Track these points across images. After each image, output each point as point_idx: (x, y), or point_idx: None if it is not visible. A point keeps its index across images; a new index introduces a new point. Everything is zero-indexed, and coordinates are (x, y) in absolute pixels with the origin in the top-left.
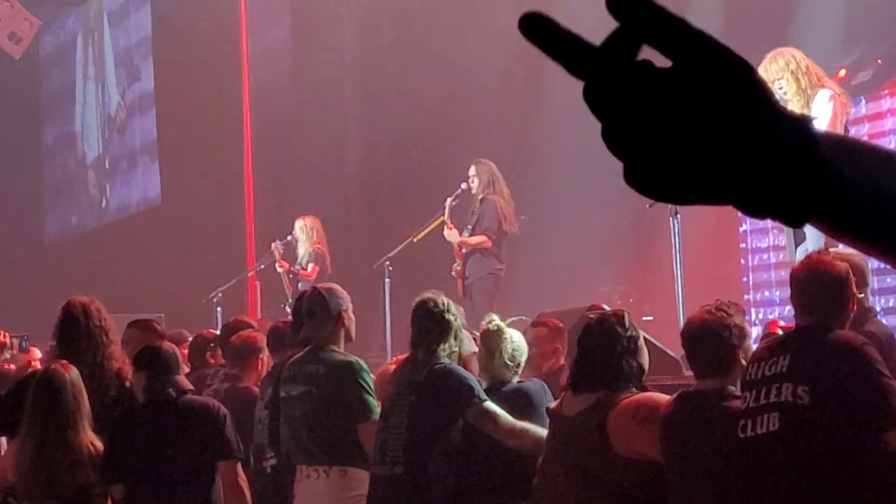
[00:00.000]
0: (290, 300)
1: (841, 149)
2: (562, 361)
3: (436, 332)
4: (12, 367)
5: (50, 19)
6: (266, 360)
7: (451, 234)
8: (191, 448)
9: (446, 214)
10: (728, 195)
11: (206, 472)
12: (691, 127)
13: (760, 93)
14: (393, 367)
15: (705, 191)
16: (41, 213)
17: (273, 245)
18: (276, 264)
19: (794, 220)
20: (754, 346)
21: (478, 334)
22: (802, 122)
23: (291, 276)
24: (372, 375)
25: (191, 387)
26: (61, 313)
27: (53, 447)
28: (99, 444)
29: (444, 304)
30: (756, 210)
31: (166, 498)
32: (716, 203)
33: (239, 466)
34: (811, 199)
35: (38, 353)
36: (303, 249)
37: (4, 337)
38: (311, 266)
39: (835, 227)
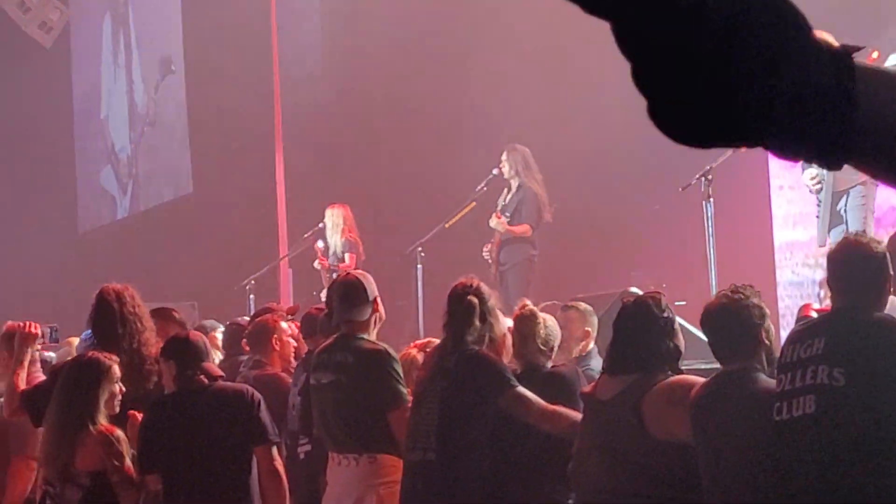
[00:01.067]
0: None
1: (882, 81)
2: (592, 345)
3: (466, 318)
4: (52, 355)
5: (80, 8)
6: (285, 341)
7: (498, 224)
8: (225, 435)
9: (472, 203)
10: (761, 132)
11: (242, 458)
12: (725, 56)
13: (796, 19)
14: (414, 351)
15: (736, 127)
16: (73, 203)
17: (315, 246)
18: (317, 261)
19: (829, 159)
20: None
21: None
22: (841, 54)
23: (329, 273)
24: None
25: (221, 373)
26: (95, 301)
27: (67, 435)
28: (119, 433)
29: (476, 289)
30: (790, 148)
31: (203, 486)
32: (746, 142)
33: (275, 451)
34: (847, 134)
35: (75, 342)
36: (334, 239)
37: (35, 328)
38: (347, 256)
39: (872, 166)
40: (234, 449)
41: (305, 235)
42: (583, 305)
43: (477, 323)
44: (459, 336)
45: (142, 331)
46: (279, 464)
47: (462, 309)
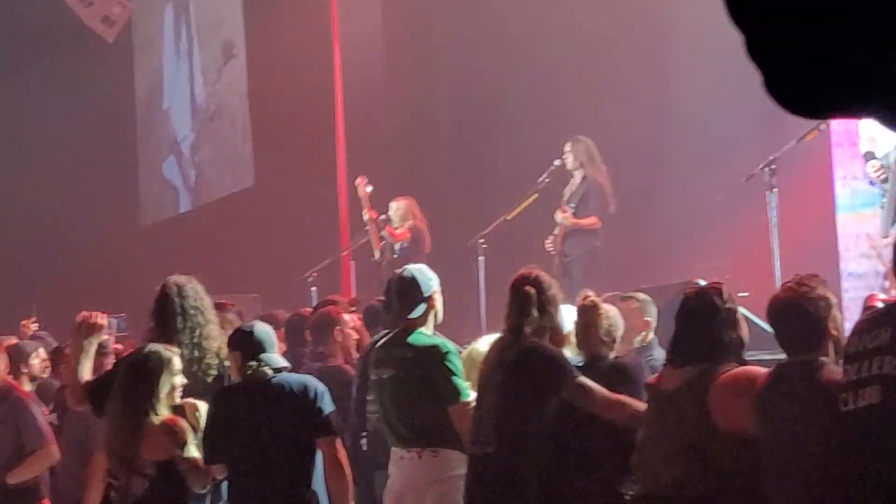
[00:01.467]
0: (377, 254)
1: None
2: (652, 335)
3: (524, 309)
4: (119, 346)
5: (142, 0)
6: (347, 332)
7: (564, 217)
8: (289, 426)
9: (535, 195)
10: (873, 102)
11: (306, 449)
12: (844, 24)
13: None
14: (476, 346)
15: (848, 97)
16: (136, 196)
17: (358, 180)
18: (363, 212)
19: None
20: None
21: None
22: None
23: (379, 229)
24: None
25: (287, 364)
26: (157, 294)
27: (131, 426)
28: (182, 423)
29: (534, 279)
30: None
31: (267, 476)
32: (859, 111)
33: (338, 442)
34: None
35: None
36: (399, 243)
37: (101, 318)
38: (402, 229)
39: None
40: (297, 440)
41: (367, 227)
42: (642, 296)
43: (535, 314)
44: (518, 327)
45: (203, 324)
46: (343, 455)
47: (519, 300)
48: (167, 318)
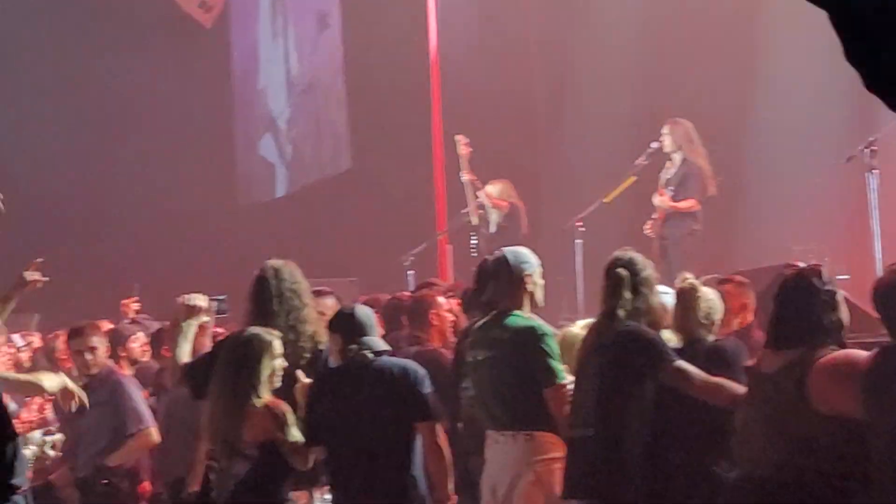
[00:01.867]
0: (474, 219)
1: None
2: (751, 318)
3: (616, 291)
4: (220, 330)
5: None
6: (443, 316)
7: (662, 201)
8: (389, 409)
9: (633, 177)
10: None
11: (405, 432)
12: None
13: None
14: (571, 329)
15: None
16: (233, 178)
17: (458, 137)
18: (461, 172)
19: None
20: None
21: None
22: None
23: (475, 190)
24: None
25: (387, 347)
26: (255, 277)
27: (234, 409)
28: (284, 406)
29: (626, 261)
30: None
31: (367, 459)
32: None
33: (438, 427)
34: None
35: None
36: (496, 213)
37: (202, 300)
38: (502, 202)
39: None
40: (397, 423)
41: (464, 210)
42: (738, 278)
43: (627, 295)
44: (612, 310)
45: (300, 307)
46: (442, 440)
47: (613, 282)
48: (264, 301)
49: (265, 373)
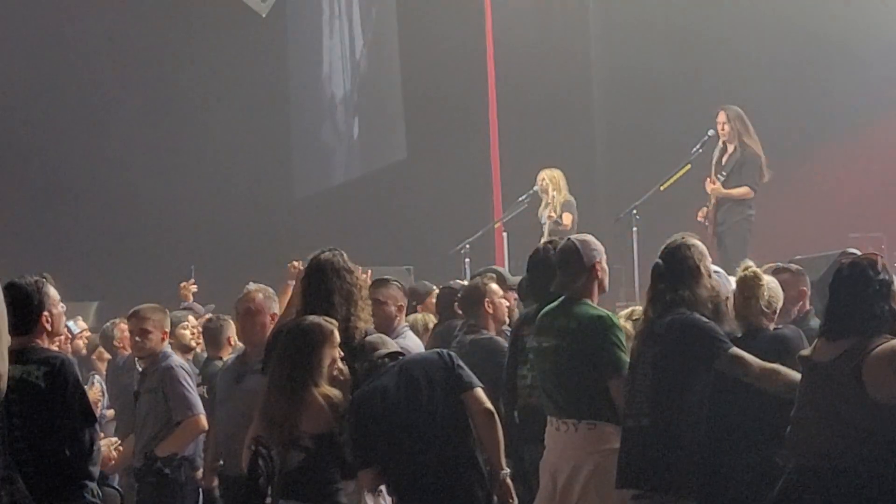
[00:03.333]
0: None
1: None
2: (808, 305)
3: (668, 280)
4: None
5: None
6: (497, 303)
7: (714, 189)
8: (433, 402)
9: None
10: None
11: (458, 411)
12: None
13: None
14: (622, 320)
15: None
16: (291, 167)
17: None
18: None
19: None
20: None
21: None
22: None
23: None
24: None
25: (396, 347)
26: (306, 269)
27: (293, 399)
28: (343, 397)
29: (676, 249)
30: None
31: (428, 463)
32: None
33: (481, 392)
34: None
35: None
36: (551, 198)
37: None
38: (565, 216)
39: None
40: (445, 413)
41: (520, 198)
42: (794, 266)
43: (663, 286)
44: (655, 299)
45: (356, 301)
46: (489, 404)
47: (658, 272)
48: (321, 293)
49: (326, 361)
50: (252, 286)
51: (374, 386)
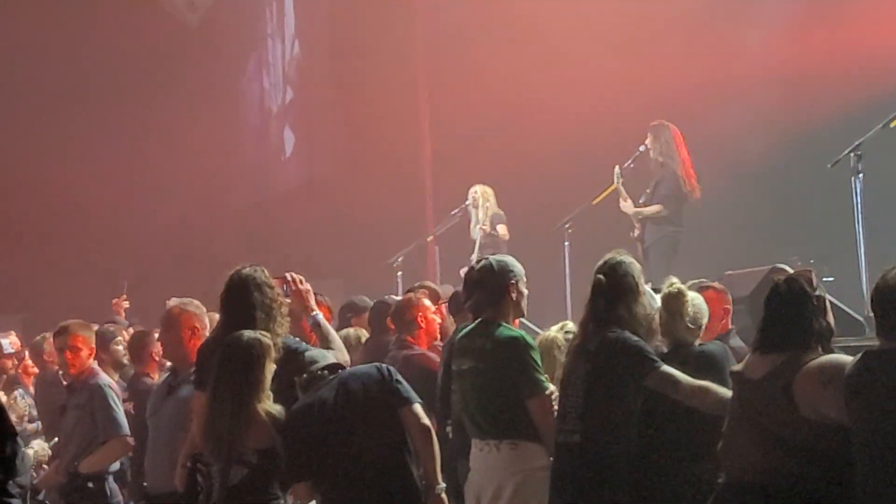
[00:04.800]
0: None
1: None
2: (731, 324)
3: (599, 298)
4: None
5: None
6: (430, 319)
7: (626, 206)
8: (369, 416)
9: (618, 181)
10: None
11: (395, 425)
12: None
13: None
14: (554, 332)
15: None
16: (223, 180)
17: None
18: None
19: None
20: None
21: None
22: None
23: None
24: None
25: (332, 359)
26: (227, 283)
27: (237, 413)
28: (280, 411)
29: (612, 266)
30: None
31: (363, 475)
32: None
33: (419, 408)
34: None
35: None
36: (481, 213)
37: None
38: (500, 227)
39: None
40: (382, 426)
41: (453, 212)
42: (718, 284)
43: (604, 302)
44: (593, 316)
45: (278, 317)
46: (426, 420)
47: (592, 288)
48: (236, 308)
49: (267, 377)
50: (173, 301)
51: (313, 398)
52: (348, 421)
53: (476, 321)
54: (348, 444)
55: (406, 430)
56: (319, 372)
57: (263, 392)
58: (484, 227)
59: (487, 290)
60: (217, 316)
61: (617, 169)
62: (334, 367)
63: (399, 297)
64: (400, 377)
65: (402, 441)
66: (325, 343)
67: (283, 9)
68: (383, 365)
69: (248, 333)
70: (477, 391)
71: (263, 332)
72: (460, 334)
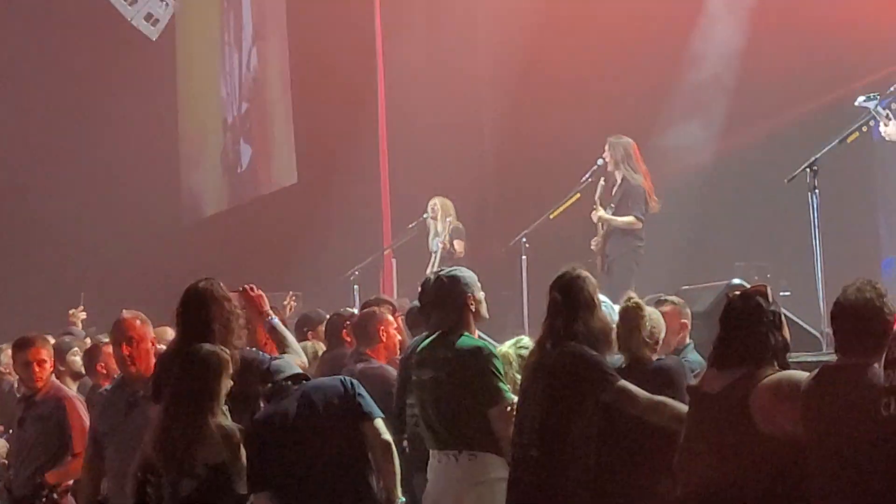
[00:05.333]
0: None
1: None
2: (688, 339)
3: (555, 313)
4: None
5: None
6: (391, 333)
7: (601, 215)
8: (331, 430)
9: (576, 195)
10: None
11: (355, 439)
12: None
13: None
14: (505, 348)
15: None
16: (179, 191)
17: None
18: (441, 239)
19: None
20: None
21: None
22: None
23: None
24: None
25: (297, 369)
26: (182, 297)
27: (190, 427)
28: (237, 428)
29: (569, 281)
30: None
31: (324, 486)
32: None
33: (380, 423)
34: None
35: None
36: (440, 227)
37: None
38: (457, 243)
39: None
40: (344, 439)
41: (410, 226)
42: (677, 299)
43: (561, 318)
44: (550, 331)
45: (235, 330)
46: (388, 435)
47: (549, 303)
48: (194, 321)
49: (223, 392)
50: (126, 313)
51: (275, 409)
52: (309, 433)
53: (436, 332)
54: (308, 456)
55: (367, 445)
56: (284, 382)
57: (218, 406)
58: (444, 244)
59: (446, 306)
60: (168, 329)
61: (585, 177)
62: (298, 378)
63: (355, 310)
64: (363, 391)
65: (363, 455)
66: (283, 346)
67: (240, 20)
68: (347, 378)
69: (206, 347)
70: (437, 401)
71: (221, 347)
72: (421, 345)
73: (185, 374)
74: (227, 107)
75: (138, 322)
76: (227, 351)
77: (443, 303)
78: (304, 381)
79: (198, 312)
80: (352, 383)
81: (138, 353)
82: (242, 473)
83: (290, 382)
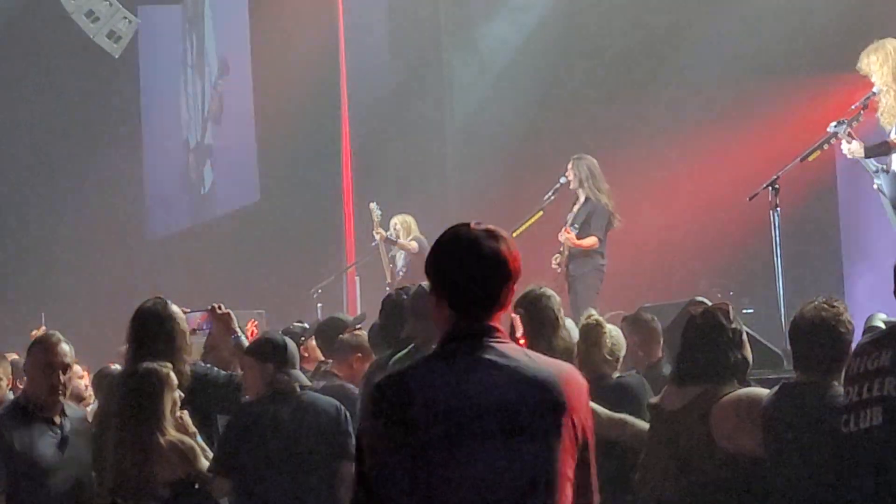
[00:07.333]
0: (388, 278)
1: None
2: (660, 354)
3: (533, 329)
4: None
5: (149, 16)
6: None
7: (566, 238)
8: (316, 444)
9: (540, 213)
10: None
11: (327, 470)
12: None
13: None
14: None
15: None
16: (143, 211)
17: (371, 206)
18: (374, 231)
19: None
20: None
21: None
22: None
23: (388, 250)
24: None
25: (309, 383)
26: (133, 316)
27: (140, 447)
28: (188, 440)
29: (532, 300)
30: None
31: (290, 491)
32: None
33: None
34: None
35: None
36: (402, 255)
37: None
38: (412, 241)
39: None
40: (322, 459)
41: (373, 244)
42: (648, 315)
43: (533, 334)
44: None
45: (183, 347)
46: None
47: (521, 322)
48: (141, 341)
49: (167, 407)
50: (47, 332)
51: (270, 406)
52: (291, 444)
53: (408, 347)
54: (280, 465)
55: (339, 482)
56: (296, 382)
57: (164, 422)
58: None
59: (423, 316)
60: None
61: (548, 195)
62: (306, 387)
63: (306, 325)
64: (352, 429)
65: (332, 483)
66: None
67: (202, 42)
68: (343, 409)
69: (144, 365)
70: None
71: (163, 363)
72: (394, 359)
73: (128, 394)
74: (190, 128)
75: (63, 347)
76: (170, 366)
77: (420, 314)
78: (304, 390)
79: (146, 331)
80: (346, 417)
81: (69, 376)
82: (206, 479)
83: (298, 387)
